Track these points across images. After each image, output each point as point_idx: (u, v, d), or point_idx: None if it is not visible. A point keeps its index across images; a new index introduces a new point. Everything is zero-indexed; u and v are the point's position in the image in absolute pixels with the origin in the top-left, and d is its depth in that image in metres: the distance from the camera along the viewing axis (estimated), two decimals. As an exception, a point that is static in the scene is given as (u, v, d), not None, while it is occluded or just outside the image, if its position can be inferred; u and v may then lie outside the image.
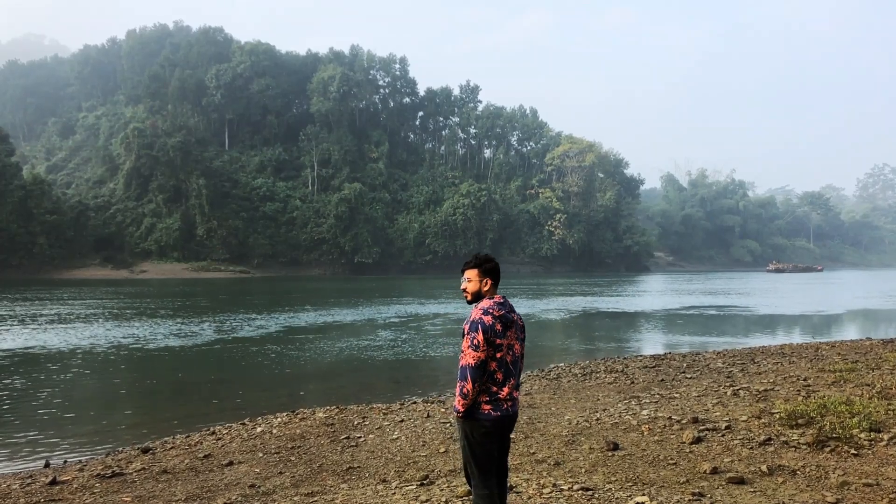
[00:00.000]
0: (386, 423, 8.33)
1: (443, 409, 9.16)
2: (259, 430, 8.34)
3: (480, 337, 4.26)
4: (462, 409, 4.30)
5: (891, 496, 5.56)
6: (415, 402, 9.97)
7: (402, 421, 8.45)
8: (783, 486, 5.89)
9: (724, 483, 5.98)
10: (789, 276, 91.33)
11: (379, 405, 9.83)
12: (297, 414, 9.20)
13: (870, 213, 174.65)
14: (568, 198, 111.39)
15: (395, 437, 7.73)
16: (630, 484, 6.05)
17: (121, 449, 8.85)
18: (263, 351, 18.70)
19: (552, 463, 6.68)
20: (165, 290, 51.38)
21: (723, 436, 7.39)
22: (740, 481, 6.00)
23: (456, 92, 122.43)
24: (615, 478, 6.21)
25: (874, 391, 9.28)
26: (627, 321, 28.43)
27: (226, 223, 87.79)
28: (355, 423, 8.46)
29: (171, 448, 8.13)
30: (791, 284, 64.51)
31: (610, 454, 6.90)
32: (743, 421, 7.96)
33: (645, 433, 7.70)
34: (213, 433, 8.82)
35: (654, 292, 50.47)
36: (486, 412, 4.31)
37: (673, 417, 8.28)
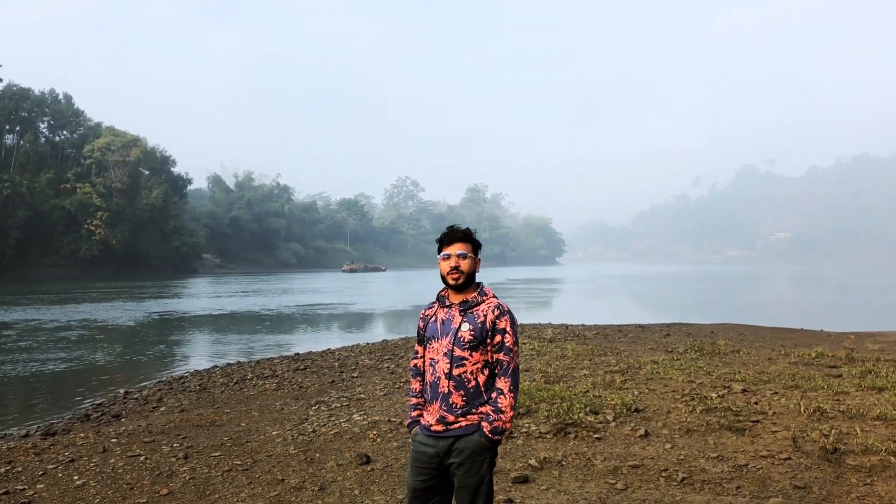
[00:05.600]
0: (52, 467, 6.11)
1: (114, 440, 7.13)
2: None
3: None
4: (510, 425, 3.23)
5: (662, 473, 5.78)
6: (81, 435, 7.57)
7: (72, 461, 6.29)
8: (563, 478, 5.76)
9: (511, 484, 5.61)
10: (362, 275, 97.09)
11: (20, 443, 7.25)
12: None
13: (396, 219, 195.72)
14: (111, 194, 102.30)
15: (79, 482, 5.69)
16: (423, 501, 5.29)
17: None
18: None
19: (316, 488, 5.56)
20: None
21: (460, 434, 7.03)
22: (525, 480, 5.70)
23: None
24: (400, 495, 5.39)
25: (543, 377, 9.91)
26: (213, 324, 26.80)
27: None
28: (2, 471, 6.06)
29: None
30: (363, 283, 68.28)
31: (368, 469, 6.04)
32: (463, 416, 7.72)
33: (377, 441, 6.97)
34: None
35: (235, 294, 48.96)
36: None
37: (392, 420, 7.69)
